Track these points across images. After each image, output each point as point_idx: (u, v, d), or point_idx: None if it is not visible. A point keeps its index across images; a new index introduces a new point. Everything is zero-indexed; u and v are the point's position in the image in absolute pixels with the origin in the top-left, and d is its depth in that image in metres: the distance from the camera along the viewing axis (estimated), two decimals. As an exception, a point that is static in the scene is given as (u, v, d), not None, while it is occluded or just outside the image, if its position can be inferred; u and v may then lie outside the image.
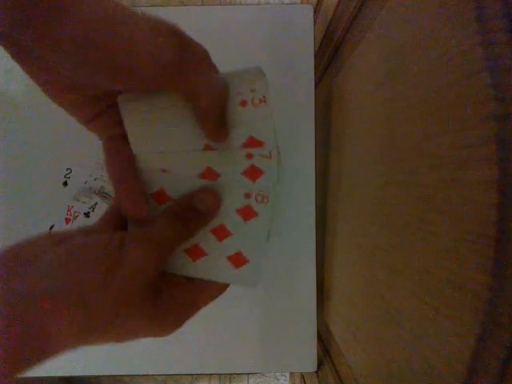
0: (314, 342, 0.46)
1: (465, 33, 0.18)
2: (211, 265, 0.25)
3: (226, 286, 0.26)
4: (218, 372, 0.48)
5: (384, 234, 0.29)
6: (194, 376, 1.01)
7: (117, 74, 0.20)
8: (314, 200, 0.45)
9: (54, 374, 0.46)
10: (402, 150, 0.26)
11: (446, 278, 0.20)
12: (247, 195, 0.26)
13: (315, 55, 0.46)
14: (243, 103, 0.23)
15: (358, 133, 0.38)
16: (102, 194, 0.45)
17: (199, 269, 0.25)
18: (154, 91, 0.23)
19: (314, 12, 0.46)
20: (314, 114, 0.45)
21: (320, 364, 0.48)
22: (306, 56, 0.45)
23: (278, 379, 0.99)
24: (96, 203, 0.45)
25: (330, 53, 0.53)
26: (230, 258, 0.25)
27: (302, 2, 0.81)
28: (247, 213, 0.26)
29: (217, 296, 0.25)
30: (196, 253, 0.25)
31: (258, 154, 0.25)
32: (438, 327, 0.21)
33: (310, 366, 0.47)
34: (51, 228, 0.45)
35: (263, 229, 0.26)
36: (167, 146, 0.25)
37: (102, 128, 0.25)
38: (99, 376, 0.99)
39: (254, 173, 0.25)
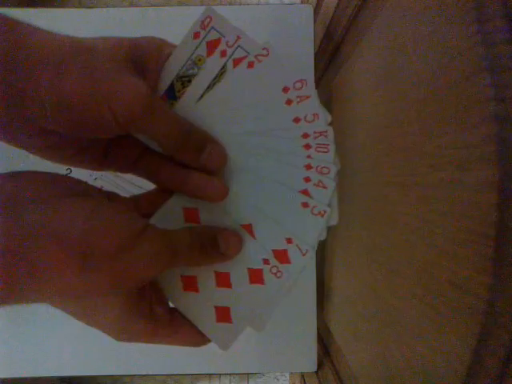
0: (314, 342, 0.46)
1: (465, 33, 0.18)
2: (196, 304, 0.24)
3: (199, 342, 0.24)
4: (218, 372, 0.48)
5: (384, 233, 0.29)
6: (194, 376, 1.01)
7: (101, 124, 0.20)
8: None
9: (54, 374, 0.46)
10: (401, 150, 0.26)
11: (446, 278, 0.20)
12: (265, 261, 0.24)
13: (315, 55, 0.46)
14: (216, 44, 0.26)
15: (357, 133, 0.38)
16: (101, 194, 0.45)
17: (183, 301, 0.24)
18: None
19: (314, 12, 0.46)
20: (314, 114, 0.45)
21: (320, 364, 0.48)
22: (306, 56, 0.45)
23: (277, 379, 0.99)
24: (96, 203, 0.45)
25: (330, 53, 0.53)
26: (216, 309, 0.24)
27: (302, 2, 0.81)
28: (256, 277, 0.24)
29: (183, 344, 0.24)
30: (189, 284, 0.24)
31: (296, 243, 0.25)
32: (437, 327, 0.21)
33: (310, 366, 0.47)
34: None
35: (262, 300, 0.24)
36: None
37: (120, 160, 0.24)
38: (99, 376, 0.99)
39: (283, 257, 0.24)
